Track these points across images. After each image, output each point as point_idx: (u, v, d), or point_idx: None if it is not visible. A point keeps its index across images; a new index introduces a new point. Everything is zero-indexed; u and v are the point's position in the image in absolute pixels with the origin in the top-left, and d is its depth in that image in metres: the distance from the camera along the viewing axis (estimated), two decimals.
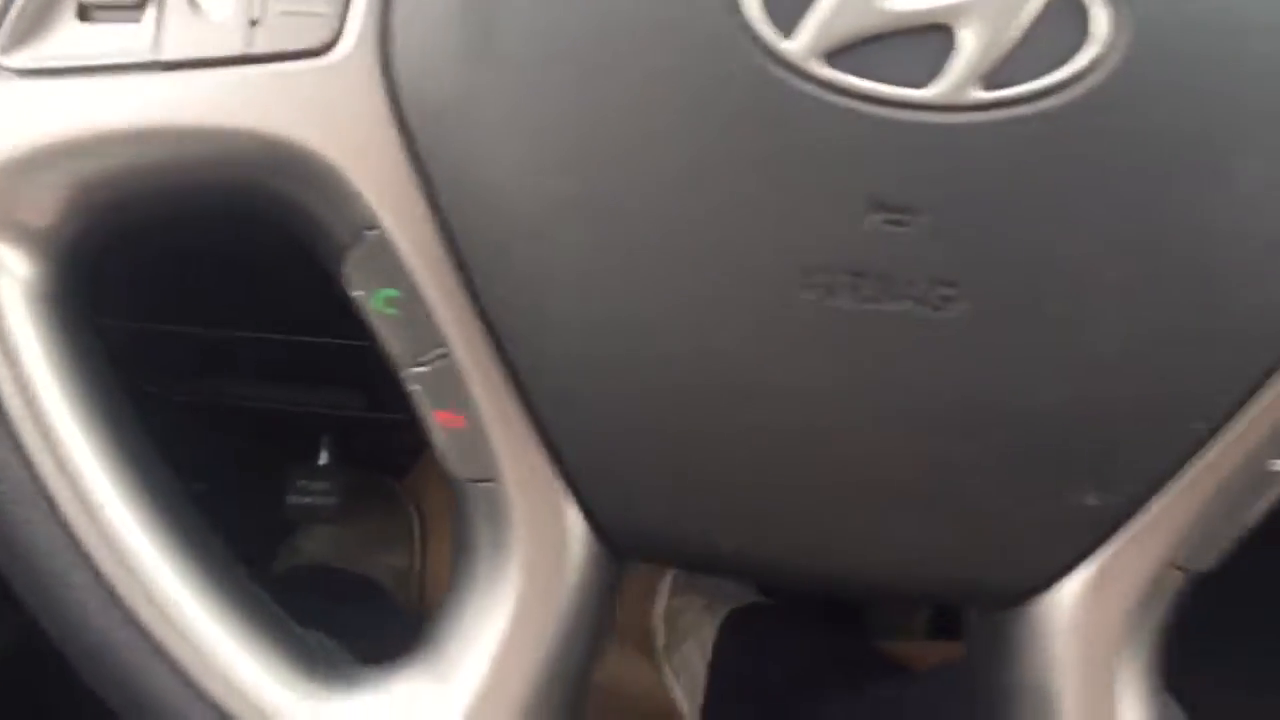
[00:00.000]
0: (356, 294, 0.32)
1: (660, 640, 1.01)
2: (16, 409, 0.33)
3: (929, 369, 0.30)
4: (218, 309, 0.66)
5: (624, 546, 0.34)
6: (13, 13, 0.31)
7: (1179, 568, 0.32)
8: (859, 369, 0.30)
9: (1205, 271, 0.29)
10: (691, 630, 0.97)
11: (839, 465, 0.31)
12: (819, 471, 0.31)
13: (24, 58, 0.32)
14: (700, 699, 0.92)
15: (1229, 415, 0.30)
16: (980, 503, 0.31)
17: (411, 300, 0.32)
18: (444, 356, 0.32)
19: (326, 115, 0.31)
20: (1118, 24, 0.28)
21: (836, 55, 0.29)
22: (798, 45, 0.28)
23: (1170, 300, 0.29)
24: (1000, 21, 0.28)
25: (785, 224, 0.29)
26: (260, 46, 0.31)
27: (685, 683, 0.97)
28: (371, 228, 0.31)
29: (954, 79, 0.28)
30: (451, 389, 0.32)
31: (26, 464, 0.33)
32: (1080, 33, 0.28)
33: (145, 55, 0.31)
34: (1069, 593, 0.32)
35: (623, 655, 1.01)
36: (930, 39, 0.28)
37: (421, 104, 0.30)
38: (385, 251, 0.31)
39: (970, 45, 0.28)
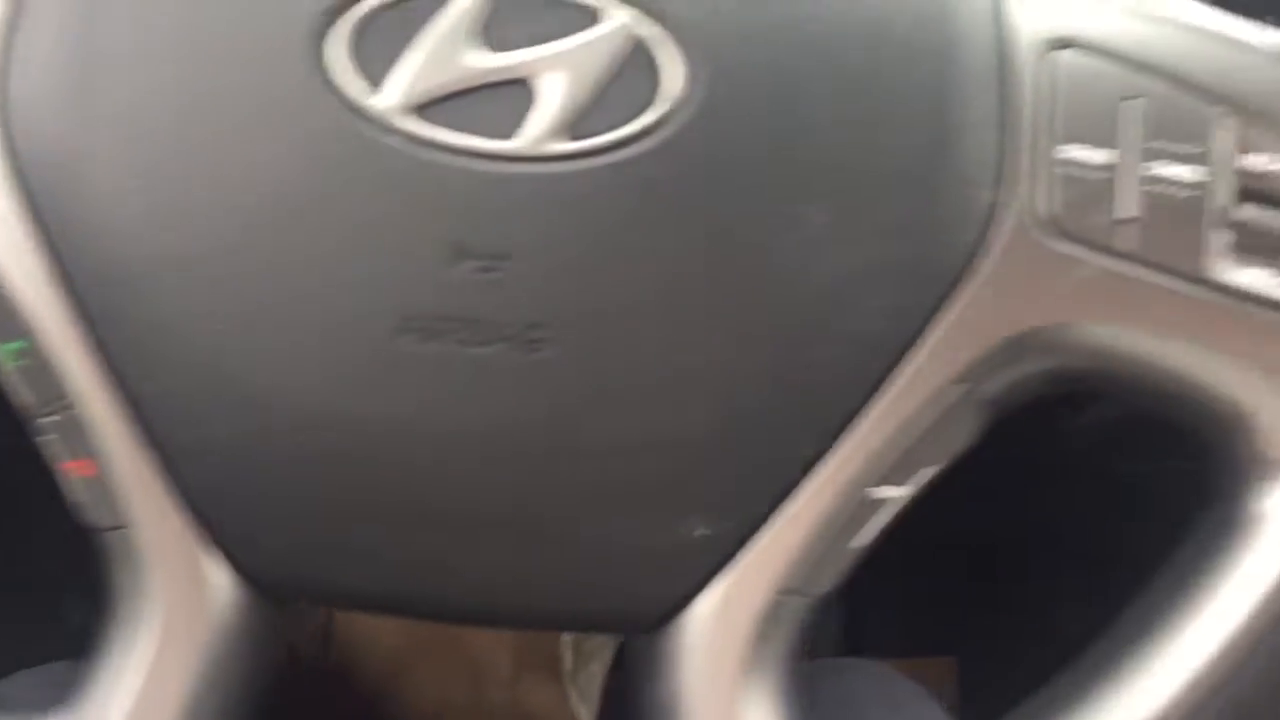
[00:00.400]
0: None
1: (567, 663, 1.01)
2: None
3: (527, 409, 0.31)
4: None
5: (272, 589, 0.34)
6: None
7: (796, 593, 0.34)
8: (462, 411, 0.31)
9: (782, 311, 0.31)
10: (597, 653, 0.98)
11: (454, 506, 0.32)
12: (435, 512, 0.32)
13: None
14: None
15: (825, 447, 0.32)
16: (593, 536, 0.32)
17: (37, 352, 0.32)
18: (70, 407, 0.32)
19: None
20: (691, 77, 0.30)
21: (425, 109, 0.30)
22: (385, 100, 0.30)
23: (751, 339, 0.31)
24: (577, 75, 0.30)
25: (381, 274, 0.30)
26: None
27: (591, 705, 0.97)
28: None
29: (536, 131, 0.30)
30: (81, 438, 0.32)
31: None
32: (656, 85, 0.30)
33: None
34: (695, 618, 0.33)
35: (530, 678, 1.01)
36: (515, 92, 0.30)
37: (33, 155, 0.31)
38: (6, 304, 0.32)
39: (550, 98, 0.30)
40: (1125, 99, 0.32)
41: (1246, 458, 0.33)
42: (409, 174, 0.30)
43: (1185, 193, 0.31)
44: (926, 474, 0.33)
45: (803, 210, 0.30)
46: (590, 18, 0.30)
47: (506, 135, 0.30)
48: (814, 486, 0.32)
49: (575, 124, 0.30)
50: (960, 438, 0.33)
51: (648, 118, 0.30)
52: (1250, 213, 0.32)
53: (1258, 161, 0.32)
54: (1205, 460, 0.35)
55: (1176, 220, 0.31)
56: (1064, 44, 0.32)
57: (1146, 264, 0.31)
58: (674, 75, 0.30)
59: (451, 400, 0.31)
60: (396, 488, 0.32)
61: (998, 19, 0.32)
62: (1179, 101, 0.32)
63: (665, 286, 0.30)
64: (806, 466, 0.32)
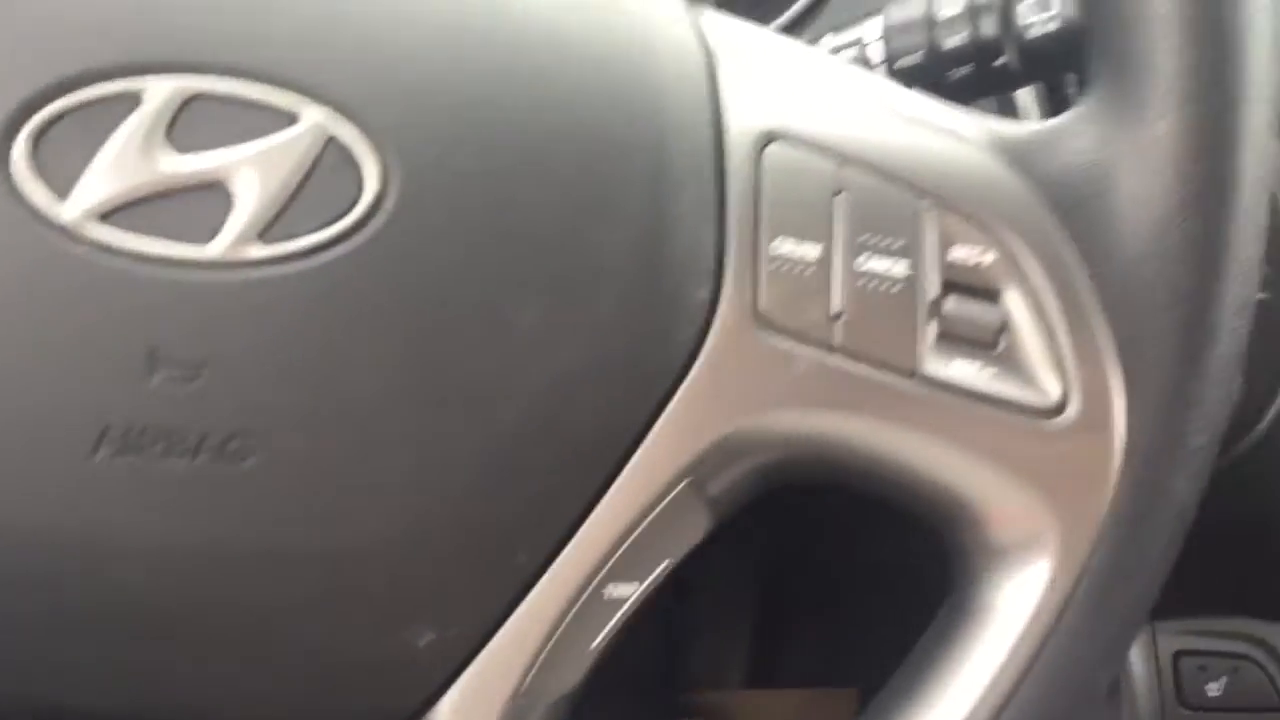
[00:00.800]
0: None
1: None
2: None
3: (234, 520, 0.30)
4: None
5: None
6: None
7: (536, 696, 0.33)
8: (169, 524, 0.30)
9: (494, 413, 0.30)
10: None
11: (171, 620, 0.31)
12: (155, 626, 0.31)
13: None
14: None
15: (554, 548, 0.31)
16: (314, 646, 0.31)
17: None
18: None
19: None
20: (387, 178, 0.29)
21: (115, 216, 0.29)
22: (72, 209, 0.29)
23: (462, 442, 0.30)
24: (273, 178, 0.29)
25: (78, 387, 0.29)
26: None
27: None
28: None
29: (231, 236, 0.29)
30: None
31: None
32: (354, 186, 0.29)
33: None
34: None
35: None
36: (210, 196, 0.29)
37: None
38: None
39: (246, 202, 0.29)
40: (835, 193, 0.32)
41: (975, 548, 0.34)
42: (100, 284, 0.29)
43: (895, 287, 0.32)
44: (660, 570, 0.33)
45: (511, 311, 0.30)
46: (287, 119, 0.29)
47: (202, 240, 0.29)
48: (546, 589, 0.32)
49: (272, 227, 0.29)
50: (693, 531, 0.33)
51: (346, 221, 0.29)
52: (958, 305, 0.32)
53: (964, 254, 0.32)
54: (944, 549, 0.35)
55: (887, 314, 0.32)
56: (776, 138, 0.32)
57: (859, 358, 0.32)
58: (372, 177, 0.29)
59: (158, 513, 0.30)
60: (110, 604, 0.31)
61: (713, 114, 0.32)
62: (887, 195, 0.32)
63: (369, 393, 0.30)
64: (537, 569, 0.31)
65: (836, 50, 0.47)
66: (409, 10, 0.31)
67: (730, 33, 0.34)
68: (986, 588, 0.34)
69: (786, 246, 0.32)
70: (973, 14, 0.45)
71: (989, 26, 0.44)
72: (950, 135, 0.34)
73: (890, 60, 0.46)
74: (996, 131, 0.34)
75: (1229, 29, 0.31)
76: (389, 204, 0.29)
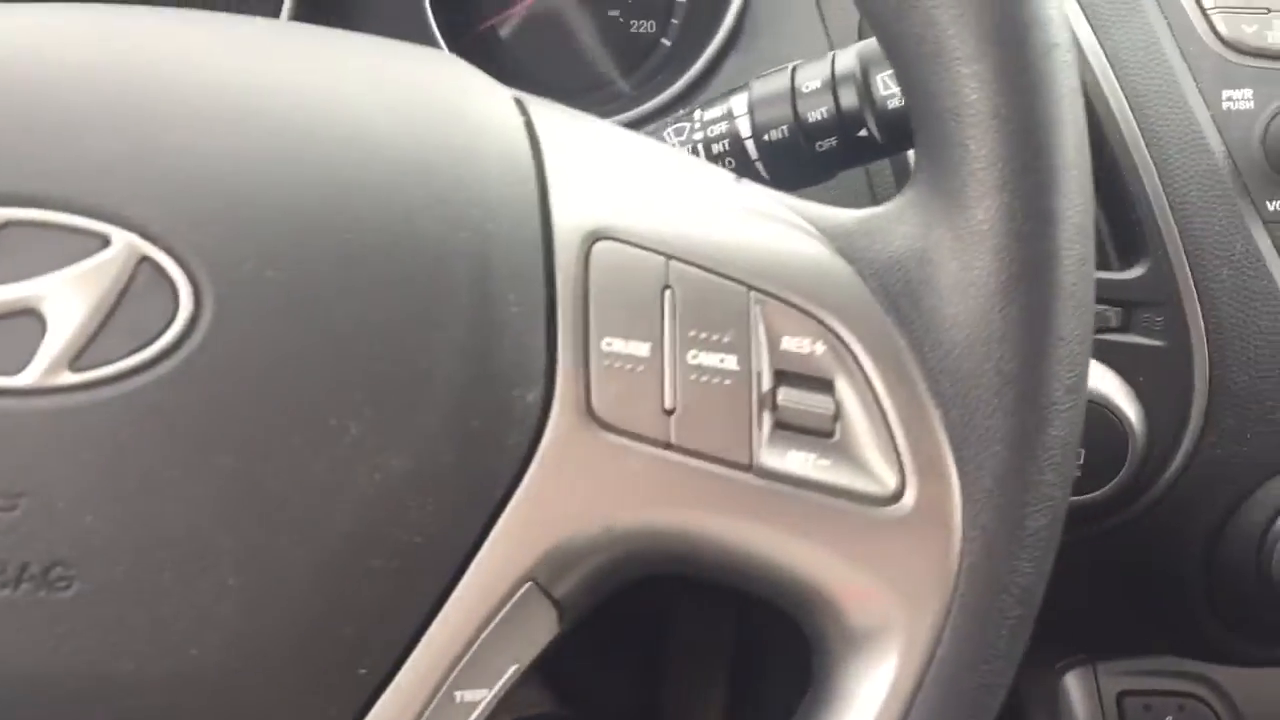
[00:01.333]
0: None
1: None
2: None
3: (60, 647, 0.29)
4: None
5: None
6: None
7: None
8: None
9: (321, 526, 0.30)
10: None
11: None
12: None
13: None
14: None
15: (398, 660, 0.31)
16: None
17: None
18: None
19: None
20: (200, 298, 0.29)
21: None
22: None
23: (292, 556, 0.30)
24: (84, 303, 0.29)
25: None
26: None
27: None
28: None
29: (44, 364, 0.29)
30: None
31: None
32: (169, 308, 0.29)
33: None
34: None
35: None
36: (23, 324, 0.29)
37: None
38: None
39: (59, 328, 0.29)
40: (664, 289, 0.32)
41: (832, 634, 0.33)
42: None
43: (727, 380, 0.32)
44: (511, 673, 0.32)
45: (335, 424, 0.30)
46: (101, 242, 0.29)
47: (17, 369, 0.29)
48: (395, 696, 0.31)
49: (86, 352, 0.29)
50: (542, 633, 0.32)
51: (161, 343, 0.29)
52: (792, 396, 0.32)
53: (795, 345, 0.32)
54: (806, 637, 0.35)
55: (720, 409, 0.32)
56: (604, 236, 0.32)
57: (694, 454, 0.32)
58: (186, 297, 0.29)
59: None
60: None
61: (540, 214, 0.32)
62: (716, 289, 0.32)
63: (193, 515, 0.29)
64: (379, 682, 0.31)
65: (707, 125, 0.47)
66: (224, 127, 0.31)
67: (562, 129, 0.34)
68: (843, 676, 0.33)
69: (616, 345, 0.31)
70: (833, 87, 0.45)
71: (849, 98, 0.45)
72: (780, 225, 0.34)
73: (758, 134, 0.46)
74: (826, 219, 0.34)
75: (1039, 115, 0.31)
76: (204, 324, 0.29)
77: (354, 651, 0.31)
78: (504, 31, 0.70)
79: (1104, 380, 0.52)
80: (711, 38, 0.63)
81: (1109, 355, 0.52)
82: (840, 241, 0.34)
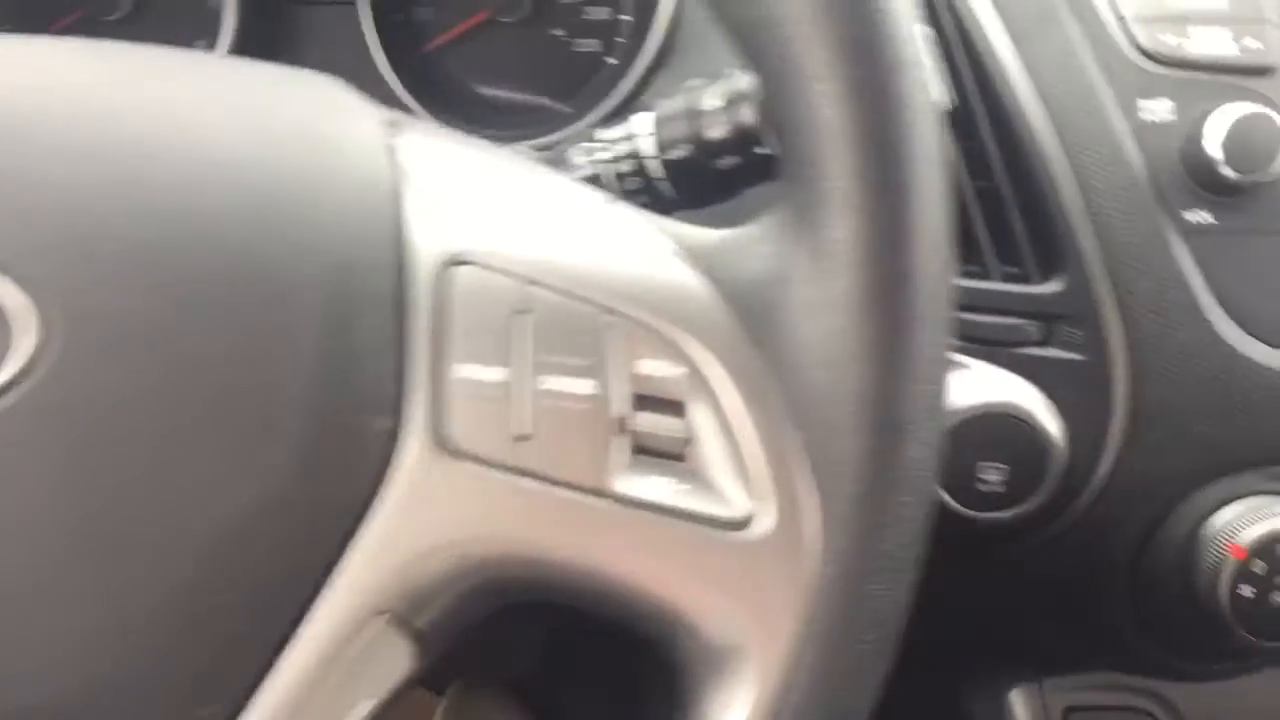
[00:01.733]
0: None
1: None
2: None
3: None
4: None
5: None
6: None
7: None
8: None
9: (170, 558, 0.30)
10: None
11: None
12: None
13: None
14: None
15: (245, 695, 0.30)
16: None
17: None
18: None
19: None
20: (49, 331, 0.29)
21: None
22: None
23: (142, 592, 0.29)
24: None
25: None
26: None
27: None
28: None
29: None
30: None
31: None
32: (8, 339, 0.29)
33: None
34: None
35: None
36: None
37: None
38: None
39: None
40: (520, 313, 0.32)
41: (694, 659, 0.33)
42: None
43: (581, 405, 0.31)
44: (365, 708, 0.32)
45: (182, 458, 0.29)
46: None
47: None
48: None
49: None
50: (397, 667, 0.32)
51: (4, 373, 0.29)
52: (647, 420, 0.32)
53: (652, 368, 0.32)
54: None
55: (575, 434, 0.31)
56: (461, 261, 0.32)
57: (548, 480, 0.31)
58: (30, 331, 0.29)
59: None
60: None
61: (395, 240, 0.32)
62: (571, 313, 0.32)
63: (37, 551, 0.29)
64: (229, 715, 0.31)
65: (612, 144, 0.47)
66: (72, 155, 0.31)
67: (427, 152, 0.34)
68: (705, 700, 0.33)
69: (469, 370, 0.31)
70: (731, 104, 0.45)
71: (747, 115, 0.44)
72: (640, 246, 0.33)
73: (661, 152, 0.46)
74: (692, 239, 0.34)
75: (893, 133, 0.31)
76: (50, 357, 0.29)
77: (201, 688, 0.31)
78: (447, 53, 0.70)
79: (1025, 395, 0.51)
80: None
81: (1030, 370, 0.52)
82: (704, 262, 0.33)
